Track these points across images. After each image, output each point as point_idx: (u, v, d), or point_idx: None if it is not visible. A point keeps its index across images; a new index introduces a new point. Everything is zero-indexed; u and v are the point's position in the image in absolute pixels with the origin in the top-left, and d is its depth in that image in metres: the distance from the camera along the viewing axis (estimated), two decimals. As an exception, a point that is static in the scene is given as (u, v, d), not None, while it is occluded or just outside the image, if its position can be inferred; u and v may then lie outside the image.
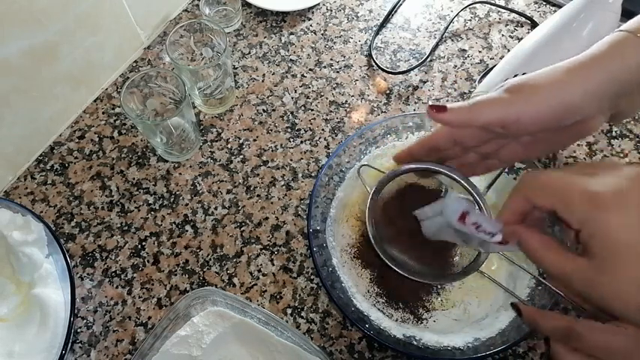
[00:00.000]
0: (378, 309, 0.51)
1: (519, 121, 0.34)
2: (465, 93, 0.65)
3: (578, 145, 0.62)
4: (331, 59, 0.69)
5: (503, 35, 0.70)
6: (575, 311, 0.51)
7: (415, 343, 0.47)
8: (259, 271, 0.55)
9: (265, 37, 0.70)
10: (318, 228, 0.52)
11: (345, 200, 0.56)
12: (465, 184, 0.47)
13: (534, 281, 0.50)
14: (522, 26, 0.71)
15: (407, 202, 0.52)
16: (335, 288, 0.49)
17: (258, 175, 0.60)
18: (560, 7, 0.66)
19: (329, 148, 0.62)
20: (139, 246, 0.56)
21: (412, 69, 0.66)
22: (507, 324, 0.47)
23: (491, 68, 0.61)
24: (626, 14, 0.68)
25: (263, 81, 0.67)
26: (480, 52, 0.69)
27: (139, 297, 0.53)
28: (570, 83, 0.33)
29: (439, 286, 0.52)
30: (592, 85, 0.33)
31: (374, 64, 0.68)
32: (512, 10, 0.71)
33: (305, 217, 0.57)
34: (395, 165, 0.47)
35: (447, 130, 0.39)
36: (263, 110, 0.65)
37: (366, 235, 0.50)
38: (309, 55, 0.69)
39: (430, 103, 0.36)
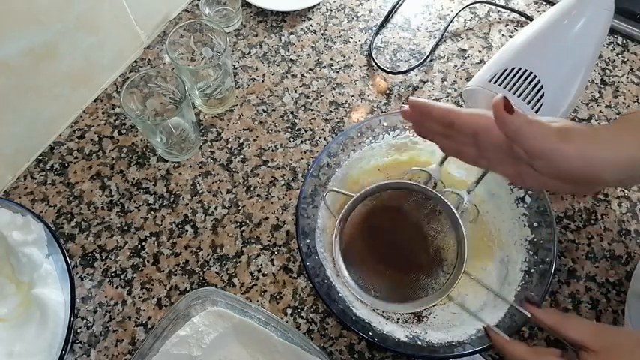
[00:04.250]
0: (378, 313, 0.51)
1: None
2: (465, 93, 0.66)
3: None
4: (331, 59, 0.69)
5: (503, 35, 0.70)
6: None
7: (420, 342, 0.47)
8: (259, 271, 0.55)
9: (265, 37, 0.70)
10: (308, 242, 0.51)
11: (331, 208, 0.55)
12: (443, 200, 0.48)
13: (526, 266, 0.50)
14: (522, 26, 0.71)
15: (379, 222, 0.52)
16: (335, 300, 0.48)
17: (258, 175, 0.60)
18: (560, 6, 0.66)
19: (329, 148, 0.62)
20: (139, 246, 0.56)
21: (412, 69, 0.66)
22: (506, 311, 0.47)
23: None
24: (626, 14, 0.68)
25: (263, 81, 0.67)
26: (480, 51, 0.69)
27: (139, 297, 0.53)
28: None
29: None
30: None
31: (374, 64, 0.68)
32: (512, 10, 0.71)
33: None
34: (361, 188, 0.48)
35: (482, 122, 0.36)
36: (263, 110, 0.65)
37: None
38: (309, 55, 0.69)
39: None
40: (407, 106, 0.39)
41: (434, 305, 0.48)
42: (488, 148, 0.37)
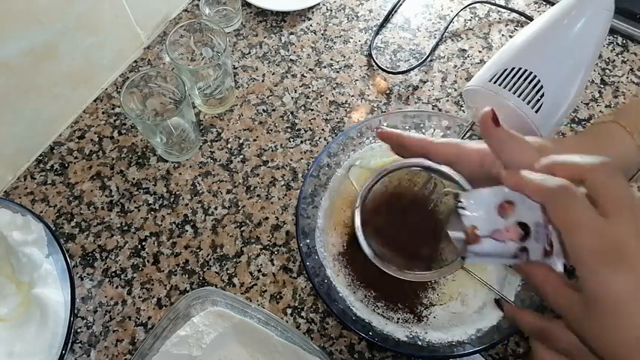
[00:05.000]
0: (378, 313, 0.51)
1: None
2: (465, 93, 0.66)
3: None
4: (331, 59, 0.69)
5: (503, 35, 0.70)
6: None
7: (420, 342, 0.47)
8: (259, 271, 0.55)
9: (265, 37, 0.70)
10: (308, 242, 0.51)
11: (330, 209, 0.55)
12: (462, 183, 0.48)
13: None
14: (522, 26, 0.71)
15: (396, 200, 0.52)
16: (335, 300, 0.48)
17: (258, 175, 0.60)
18: (560, 6, 0.66)
19: (329, 148, 0.62)
20: (139, 246, 0.56)
21: (412, 69, 0.66)
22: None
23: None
24: (626, 14, 0.68)
25: (263, 81, 0.67)
26: (480, 52, 0.69)
27: (139, 297, 0.53)
28: None
29: (433, 280, 0.52)
30: None
31: (374, 64, 0.68)
32: (512, 10, 0.71)
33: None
34: (383, 164, 0.48)
35: (455, 152, 0.39)
36: (263, 110, 0.65)
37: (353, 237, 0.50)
38: (309, 55, 0.69)
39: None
40: (382, 129, 0.42)
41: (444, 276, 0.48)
42: (463, 173, 0.40)
